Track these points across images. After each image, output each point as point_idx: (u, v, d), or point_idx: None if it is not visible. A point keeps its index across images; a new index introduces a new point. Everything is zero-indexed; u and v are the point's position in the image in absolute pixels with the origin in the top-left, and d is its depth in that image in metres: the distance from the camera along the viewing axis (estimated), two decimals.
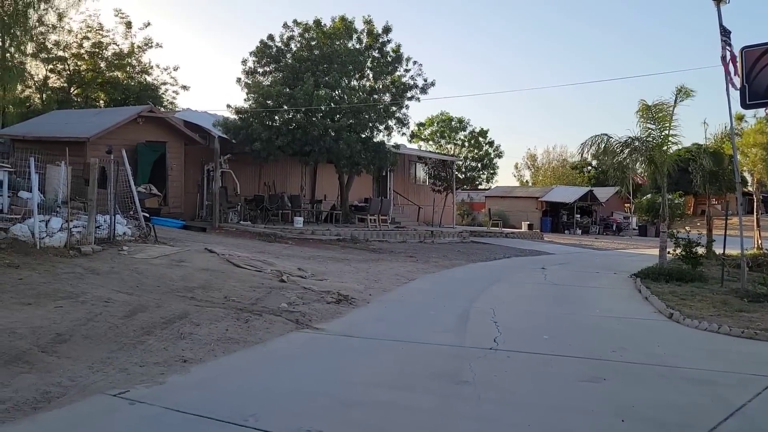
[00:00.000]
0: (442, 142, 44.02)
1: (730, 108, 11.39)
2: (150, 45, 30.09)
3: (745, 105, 9.10)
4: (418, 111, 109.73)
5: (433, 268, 14.23)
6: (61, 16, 25.72)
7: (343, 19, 22.59)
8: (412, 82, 22.82)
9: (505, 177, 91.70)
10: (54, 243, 10.18)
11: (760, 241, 21.61)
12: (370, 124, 21.43)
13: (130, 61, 29.90)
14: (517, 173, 66.98)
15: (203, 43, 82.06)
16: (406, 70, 23.01)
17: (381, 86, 22.82)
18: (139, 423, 4.26)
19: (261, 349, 6.30)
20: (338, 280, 11.18)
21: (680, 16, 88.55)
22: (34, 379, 4.85)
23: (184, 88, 31.72)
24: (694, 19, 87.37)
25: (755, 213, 23.50)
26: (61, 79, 29.30)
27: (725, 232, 14.27)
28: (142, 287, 8.43)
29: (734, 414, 4.62)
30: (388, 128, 22.35)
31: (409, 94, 22.57)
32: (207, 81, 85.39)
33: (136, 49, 29.90)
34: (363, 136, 20.99)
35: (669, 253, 14.46)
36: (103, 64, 29.39)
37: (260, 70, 22.57)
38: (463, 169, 41.06)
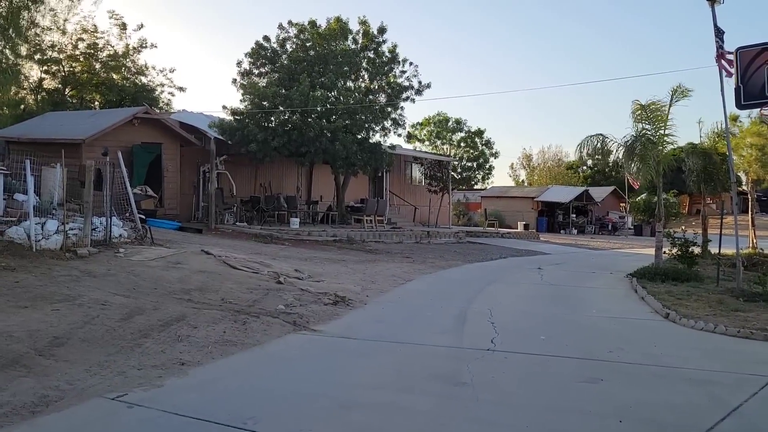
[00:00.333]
0: (438, 142, 44.00)
1: (725, 108, 11.44)
2: (145, 46, 30.02)
3: (740, 105, 9.14)
4: (414, 112, 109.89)
5: (429, 269, 14.24)
6: (55, 18, 25.66)
7: (338, 19, 22.59)
8: (407, 83, 22.83)
9: (500, 177, 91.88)
10: (50, 245, 10.15)
11: (755, 241, 21.70)
12: (366, 125, 21.43)
13: (125, 62, 29.81)
14: (512, 173, 67.13)
15: (198, 45, 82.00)
16: (402, 71, 23.03)
17: (376, 87, 22.84)
18: (137, 426, 4.26)
19: (259, 351, 6.30)
20: (335, 281, 11.18)
21: (674, 17, 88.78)
22: (31, 382, 4.84)
23: (180, 89, 31.56)
24: (688, 20, 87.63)
25: (750, 212, 23.60)
26: (56, 81, 29.20)
27: (720, 231, 14.32)
28: (138, 290, 8.41)
29: (731, 414, 4.64)
30: (384, 129, 22.37)
31: (404, 95, 22.58)
32: (202, 83, 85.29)
33: (131, 51, 29.83)
34: (359, 137, 20.98)
35: (665, 252, 14.50)
36: (98, 66, 29.29)
37: (256, 71, 22.55)
38: (459, 169, 41.06)
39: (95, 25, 29.07)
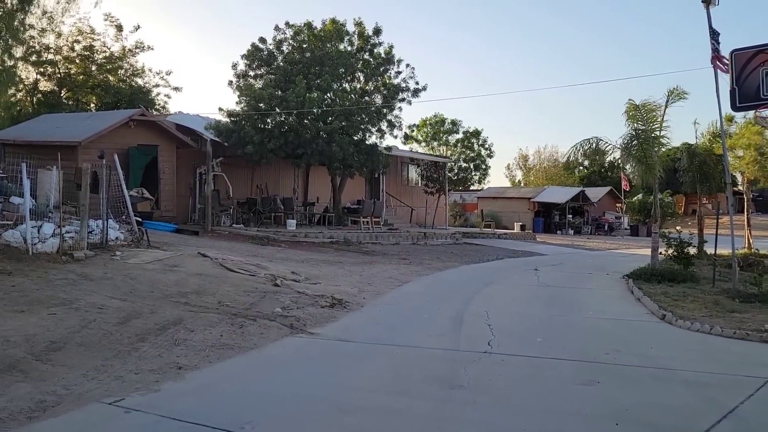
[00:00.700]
0: (435, 143, 44.09)
1: (720, 110, 11.48)
2: (141, 48, 29.99)
3: (735, 107, 9.17)
4: (411, 113, 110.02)
5: (426, 271, 14.25)
6: (51, 20, 25.59)
7: (334, 21, 22.61)
8: (403, 85, 22.87)
9: (497, 177, 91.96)
10: (46, 249, 10.13)
11: (750, 241, 21.77)
12: (362, 127, 21.45)
13: (121, 64, 29.77)
14: (509, 174, 67.24)
15: (194, 47, 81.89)
16: (398, 72, 23.07)
17: (372, 88, 22.86)
18: (135, 431, 4.25)
19: (256, 354, 6.30)
20: (332, 283, 11.18)
21: (671, 18, 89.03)
22: (28, 387, 4.84)
23: (176, 89, 31.53)
24: (686, 21, 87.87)
25: (745, 212, 23.66)
26: (52, 83, 29.12)
27: (716, 231, 14.36)
28: (135, 293, 8.40)
29: (727, 416, 4.66)
30: (380, 131, 22.39)
31: (400, 97, 22.60)
32: (199, 85, 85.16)
33: (127, 52, 29.79)
34: (355, 138, 20.99)
35: (661, 253, 14.54)
36: (93, 68, 29.24)
37: (252, 73, 22.56)
38: (456, 170, 41.11)
39: (91, 27, 29.04)
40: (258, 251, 15.23)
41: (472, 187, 44.93)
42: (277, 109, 20.18)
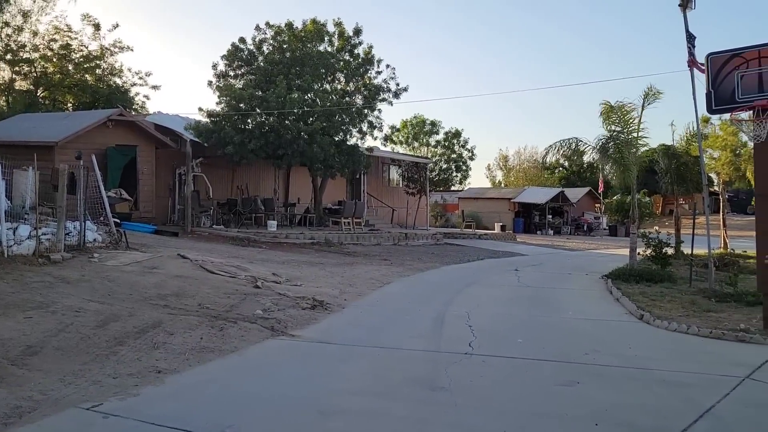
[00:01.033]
0: (416, 144, 44.20)
1: (696, 112, 11.69)
2: (120, 46, 29.64)
3: (711, 110, 9.27)
4: (392, 114, 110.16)
5: (407, 271, 14.27)
6: (27, 17, 25.25)
7: (314, 21, 22.55)
8: (384, 85, 22.88)
9: (477, 178, 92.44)
10: (22, 251, 9.97)
11: (726, 241, 22.11)
12: (343, 127, 21.43)
13: (99, 63, 29.40)
14: (489, 174, 67.60)
15: (173, 47, 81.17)
16: (378, 72, 23.07)
17: (353, 89, 22.84)
18: None
19: (236, 357, 6.26)
20: (313, 284, 11.15)
21: (651, 21, 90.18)
22: (4, 393, 4.76)
23: (155, 88, 31.22)
24: (665, 24, 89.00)
25: (721, 212, 24.03)
26: (28, 82, 28.69)
27: (693, 231, 14.56)
28: (113, 296, 8.30)
29: (704, 415, 4.72)
30: (361, 131, 22.38)
31: (381, 97, 22.61)
32: (178, 85, 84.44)
33: (104, 51, 29.43)
34: (336, 139, 20.96)
35: (639, 253, 14.72)
36: (71, 67, 28.85)
37: (232, 73, 22.42)
38: (436, 171, 41.25)
39: (68, 25, 28.68)
40: (238, 252, 15.14)
41: (453, 188, 45.12)
42: (258, 110, 20.08)
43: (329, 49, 22.61)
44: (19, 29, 26.62)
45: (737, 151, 17.29)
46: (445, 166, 42.83)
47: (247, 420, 4.56)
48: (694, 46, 11.69)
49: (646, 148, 16.46)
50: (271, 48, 22.40)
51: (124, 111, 20.76)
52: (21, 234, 10.28)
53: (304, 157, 20.13)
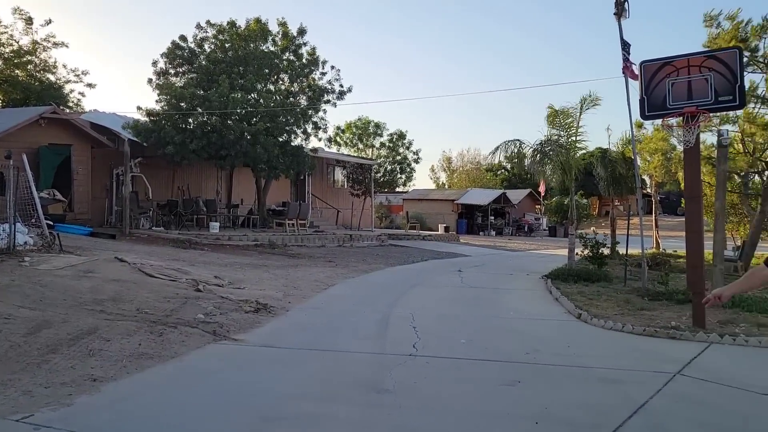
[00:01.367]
0: (361, 146, 44.23)
1: (630, 118, 12.11)
2: (54, 42, 28.51)
3: (644, 116, 9.62)
4: (337, 115, 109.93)
5: (352, 273, 14.26)
6: None
7: (258, 21, 22.28)
8: (329, 86, 22.81)
9: (422, 179, 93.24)
10: None
11: (658, 241, 23.01)
12: (288, 128, 21.24)
13: (30, 58, 28.20)
14: (433, 175, 68.33)
15: (113, 44, 78.69)
16: (323, 74, 22.99)
17: (297, 89, 22.68)
18: None
19: (177, 364, 6.10)
20: (257, 287, 11.00)
21: (600, 25, 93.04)
22: None
23: (90, 86, 30.20)
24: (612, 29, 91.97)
25: (653, 214, 25.03)
26: None
27: (627, 232, 15.10)
28: (46, 301, 7.97)
29: (638, 411, 4.90)
30: (305, 132, 22.25)
31: (325, 98, 22.53)
32: (116, 82, 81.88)
33: (36, 46, 28.24)
34: (280, 140, 20.76)
35: (577, 254, 15.16)
36: (0, 62, 27.57)
37: (172, 71, 21.92)
38: (381, 172, 41.40)
39: None
40: (179, 255, 14.79)
41: (397, 189, 45.35)
42: (200, 109, 19.69)
43: (273, 49, 22.37)
44: None
45: (668, 155, 18.00)
46: (389, 167, 43.04)
47: (186, 428, 4.45)
48: (628, 54, 12.09)
49: (584, 151, 16.99)
50: (213, 47, 22.01)
51: (57, 109, 19.97)
52: None
53: (247, 157, 19.85)
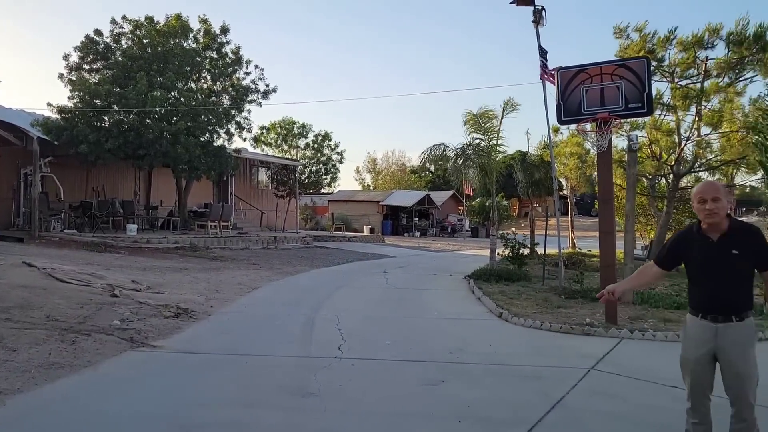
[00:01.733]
0: (286, 146, 43.77)
1: (548, 122, 12.53)
2: None
3: (560, 121, 9.99)
4: (262, 116, 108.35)
5: (276, 276, 14.08)
6: None
7: (178, 17, 21.66)
8: (253, 86, 22.46)
9: (347, 181, 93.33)
10: None
11: (574, 241, 23.99)
12: (210, 128, 20.75)
13: None
14: (358, 177, 68.48)
15: (22, 38, 74.41)
16: (247, 73, 22.62)
17: (220, 88, 22.20)
18: None
19: (90, 373, 5.83)
20: (177, 291, 10.69)
21: (519, 33, 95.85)
22: None
23: None
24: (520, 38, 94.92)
25: (569, 215, 26.06)
26: None
27: (545, 232, 15.66)
28: None
29: (555, 406, 5.08)
30: (228, 132, 21.80)
31: (250, 98, 22.17)
32: (24, 78, 77.49)
33: None
34: (202, 139, 20.26)
35: (498, 254, 15.57)
36: None
37: (86, 66, 20.96)
38: (306, 173, 41.12)
39: None
40: (93, 259, 14.18)
41: (322, 191, 45.19)
42: (116, 107, 18.93)
43: (194, 46, 21.80)
44: None
45: (583, 159, 18.80)
46: (314, 168, 42.82)
47: None
48: (546, 60, 12.51)
49: (504, 154, 17.49)
50: (130, 42, 21.21)
51: None
52: None
53: (167, 157, 19.25)
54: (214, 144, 21.13)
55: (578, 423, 4.76)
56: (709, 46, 13.77)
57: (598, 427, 4.70)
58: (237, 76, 22.43)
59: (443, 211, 43.49)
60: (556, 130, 18.56)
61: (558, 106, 9.69)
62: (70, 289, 9.60)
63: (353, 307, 10.27)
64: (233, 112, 21.77)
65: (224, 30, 22.12)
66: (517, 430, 4.55)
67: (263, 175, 30.44)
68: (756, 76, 13.64)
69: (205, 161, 20.12)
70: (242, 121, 22.26)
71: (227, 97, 22.08)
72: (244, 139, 23.07)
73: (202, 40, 22.10)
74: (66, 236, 17.73)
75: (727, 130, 14.53)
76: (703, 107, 14.71)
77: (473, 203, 42.81)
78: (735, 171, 17.09)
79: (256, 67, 22.83)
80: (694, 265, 3.69)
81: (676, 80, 14.71)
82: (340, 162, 43.39)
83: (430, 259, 21.06)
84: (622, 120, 9.92)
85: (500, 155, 16.47)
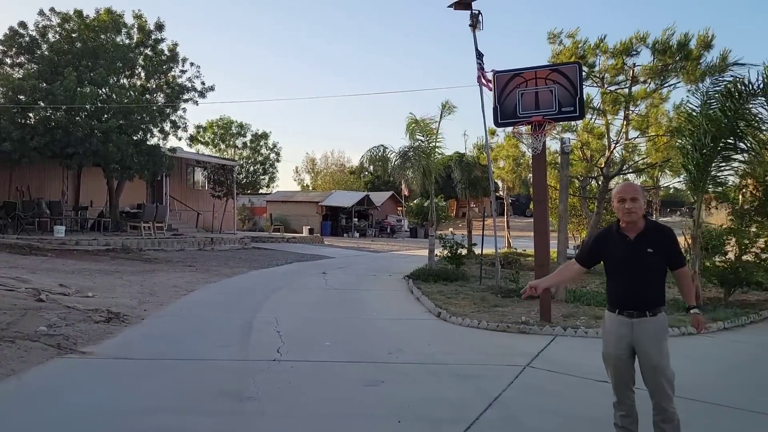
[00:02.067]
0: (223, 146, 42.93)
1: (485, 125, 12.77)
2: None
3: (497, 123, 10.19)
4: (199, 114, 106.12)
5: (214, 278, 13.80)
6: None
7: (109, 11, 20.94)
8: (189, 85, 21.96)
9: (286, 181, 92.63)
10: None
11: (510, 241, 24.53)
12: (143, 126, 20.16)
13: None
14: (297, 177, 67.97)
15: None
16: (183, 71, 22.10)
17: (155, 86, 21.59)
18: None
19: (14, 382, 5.55)
20: (108, 295, 10.33)
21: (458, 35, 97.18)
22: None
23: None
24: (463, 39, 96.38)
25: (505, 215, 26.64)
26: None
27: (482, 233, 15.96)
28: None
29: (492, 404, 5.19)
30: (163, 131, 21.23)
31: (186, 97, 21.67)
32: None
33: None
34: (135, 138, 19.65)
35: (437, 254, 15.76)
36: None
37: (9, 60, 19.99)
38: (244, 174, 40.47)
39: None
40: (18, 262, 13.53)
41: (261, 191, 44.57)
42: (42, 103, 18.13)
43: (127, 41, 21.12)
44: None
45: (518, 161, 19.27)
46: (252, 168, 42.18)
47: None
48: (483, 63, 12.73)
49: (441, 155, 17.71)
50: (58, 36, 20.35)
51: None
52: None
53: (97, 156, 18.57)
54: (148, 143, 20.55)
55: (514, 420, 4.87)
56: (635, 53, 14.34)
57: (534, 423, 4.82)
58: (173, 73, 21.89)
59: (382, 211, 43.67)
60: (493, 133, 18.95)
61: (495, 109, 9.88)
62: None
63: (292, 308, 10.18)
64: (168, 110, 21.22)
65: (159, 27, 21.55)
66: (455, 428, 4.62)
67: (200, 175, 29.79)
68: (679, 82, 14.28)
69: (138, 160, 19.53)
70: (177, 120, 21.75)
71: (162, 95, 21.50)
72: (179, 138, 22.52)
73: (136, 37, 21.44)
74: None
75: (653, 134, 15.18)
76: (631, 112, 15.30)
77: (412, 204, 43.16)
78: (660, 173, 17.88)
79: (192, 65, 22.35)
80: (611, 263, 3.89)
81: (606, 85, 15.24)
82: (278, 161, 42.89)
83: (370, 260, 21.10)
84: (555, 123, 10.19)
85: (439, 156, 16.66)
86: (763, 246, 11.50)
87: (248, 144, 42.88)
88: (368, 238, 37.28)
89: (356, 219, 40.70)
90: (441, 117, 15.64)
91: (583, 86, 10.06)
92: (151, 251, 18.64)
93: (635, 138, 15.79)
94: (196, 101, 22.04)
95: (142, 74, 21.60)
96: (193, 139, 37.29)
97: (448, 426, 4.69)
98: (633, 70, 14.66)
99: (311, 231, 34.69)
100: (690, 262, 10.38)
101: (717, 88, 10.56)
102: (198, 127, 42.16)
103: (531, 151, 9.93)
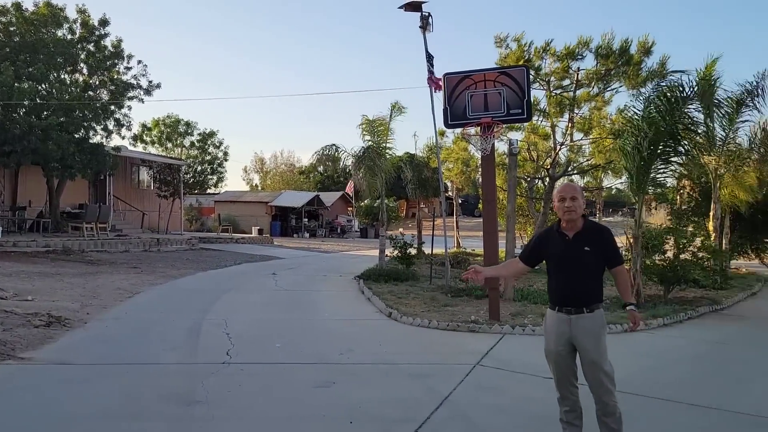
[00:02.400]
0: (170, 145, 41.97)
1: (435, 126, 12.91)
2: None
3: (447, 125, 10.30)
4: (144, 113, 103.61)
5: (160, 279, 13.50)
6: None
7: (49, 4, 20.22)
8: (135, 82, 21.40)
9: (235, 181, 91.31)
10: None
11: (459, 241, 24.84)
12: (86, 124, 19.54)
13: None
14: (246, 177, 67.09)
15: None
16: (128, 68, 21.53)
17: (98, 83, 20.96)
18: None
19: None
20: (49, 298, 9.98)
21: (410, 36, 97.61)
22: None
23: None
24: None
25: (455, 215, 26.95)
26: None
27: (432, 233, 16.10)
28: None
29: (443, 403, 5.25)
30: (106, 129, 20.63)
31: (131, 94, 21.11)
32: None
33: None
34: (77, 136, 19.03)
35: (387, 254, 15.82)
36: None
37: None
38: (191, 173, 39.68)
39: None
40: None
41: (209, 191, 43.79)
42: None
43: (69, 36, 20.43)
44: None
45: (468, 162, 19.52)
46: (200, 168, 41.40)
47: None
48: (432, 65, 12.83)
49: (392, 156, 17.80)
50: None
51: None
52: None
53: (36, 155, 17.90)
54: (91, 141, 19.93)
55: (465, 418, 4.94)
56: (581, 57, 14.73)
57: (483, 421, 4.90)
58: (117, 70, 21.29)
59: (333, 211, 43.53)
60: (443, 134, 19.14)
61: (445, 111, 9.99)
62: None
63: (242, 310, 10.05)
64: (112, 107, 20.63)
65: (104, 22, 20.93)
66: (407, 427, 4.65)
67: (145, 175, 29.08)
68: (621, 87, 14.75)
69: (80, 159, 18.92)
70: (122, 118, 21.17)
71: (106, 92, 20.88)
72: (123, 137, 21.79)
73: (79, 32, 20.75)
74: None
75: (597, 136, 15.61)
76: (575, 114, 15.70)
77: (362, 204, 43.17)
78: (603, 174, 18.40)
79: (139, 62, 21.80)
80: (552, 261, 4.03)
81: (552, 89, 15.60)
82: (226, 160, 42.22)
83: (320, 260, 21.01)
84: (504, 125, 10.37)
85: (389, 156, 16.73)
86: (699, 245, 12.00)
87: (196, 143, 42.06)
88: (318, 239, 37.12)
89: (306, 219, 40.46)
90: (391, 117, 15.73)
91: (531, 89, 10.28)
92: (93, 252, 18.10)
93: (580, 140, 16.21)
94: (142, 99, 21.54)
95: (85, 70, 20.94)
96: (137, 138, 36.35)
97: (400, 425, 4.72)
98: (577, 74, 15.06)
99: (261, 231, 34.30)
100: (632, 260, 10.75)
101: (657, 93, 10.96)
102: (143, 125, 41.12)
103: (480, 153, 10.07)
